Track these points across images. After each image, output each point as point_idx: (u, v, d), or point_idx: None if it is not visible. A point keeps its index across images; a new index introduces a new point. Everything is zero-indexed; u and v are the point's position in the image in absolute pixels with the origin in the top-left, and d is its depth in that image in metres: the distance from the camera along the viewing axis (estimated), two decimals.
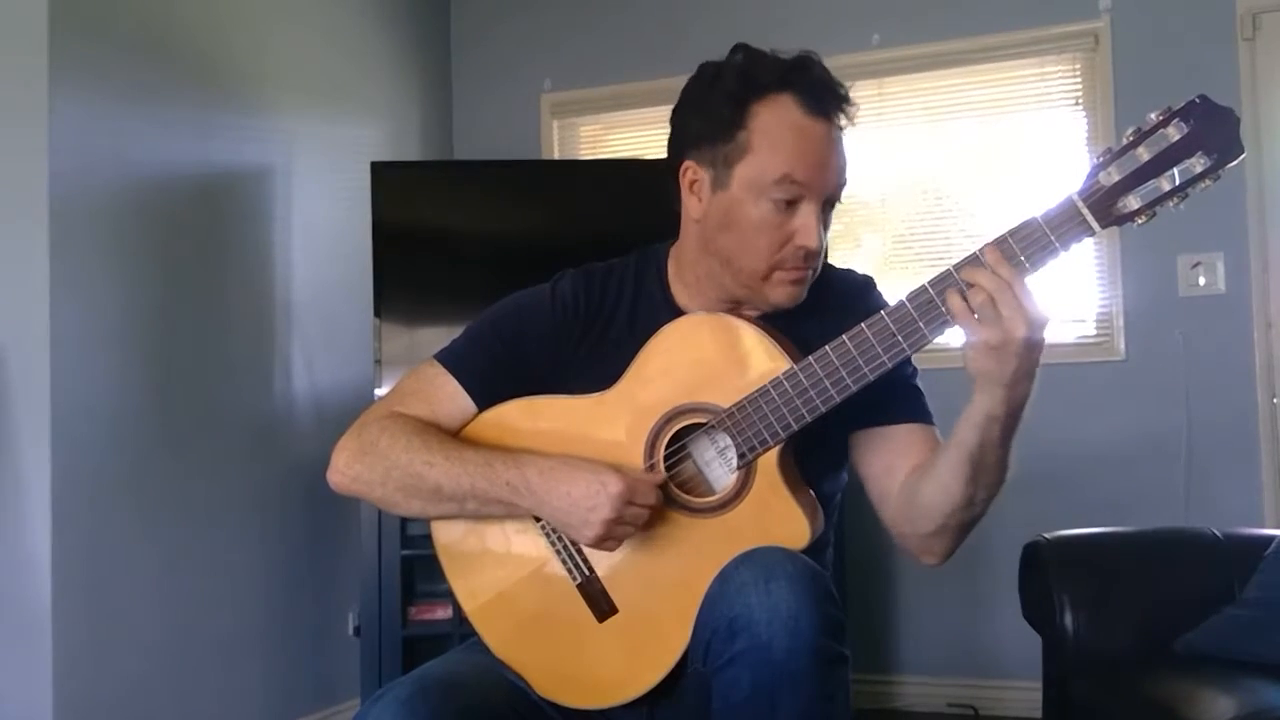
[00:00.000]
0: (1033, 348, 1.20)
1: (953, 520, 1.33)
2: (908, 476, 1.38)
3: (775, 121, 1.33)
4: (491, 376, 1.42)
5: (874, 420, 1.41)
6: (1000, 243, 1.22)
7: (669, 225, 1.47)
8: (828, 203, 1.36)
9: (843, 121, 1.36)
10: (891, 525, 1.41)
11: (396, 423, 1.39)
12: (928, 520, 1.34)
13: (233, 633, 2.89)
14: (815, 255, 1.36)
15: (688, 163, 1.40)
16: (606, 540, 1.30)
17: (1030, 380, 1.23)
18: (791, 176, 1.32)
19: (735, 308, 1.41)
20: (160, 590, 2.68)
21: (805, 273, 1.37)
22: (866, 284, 1.49)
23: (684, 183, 1.41)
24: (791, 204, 1.33)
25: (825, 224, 1.37)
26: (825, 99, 1.34)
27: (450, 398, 1.42)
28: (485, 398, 1.42)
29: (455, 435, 1.42)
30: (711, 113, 1.36)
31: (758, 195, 1.33)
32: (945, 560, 1.40)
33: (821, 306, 1.40)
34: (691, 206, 1.41)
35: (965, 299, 1.21)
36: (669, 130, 1.43)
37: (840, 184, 1.37)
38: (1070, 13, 3.31)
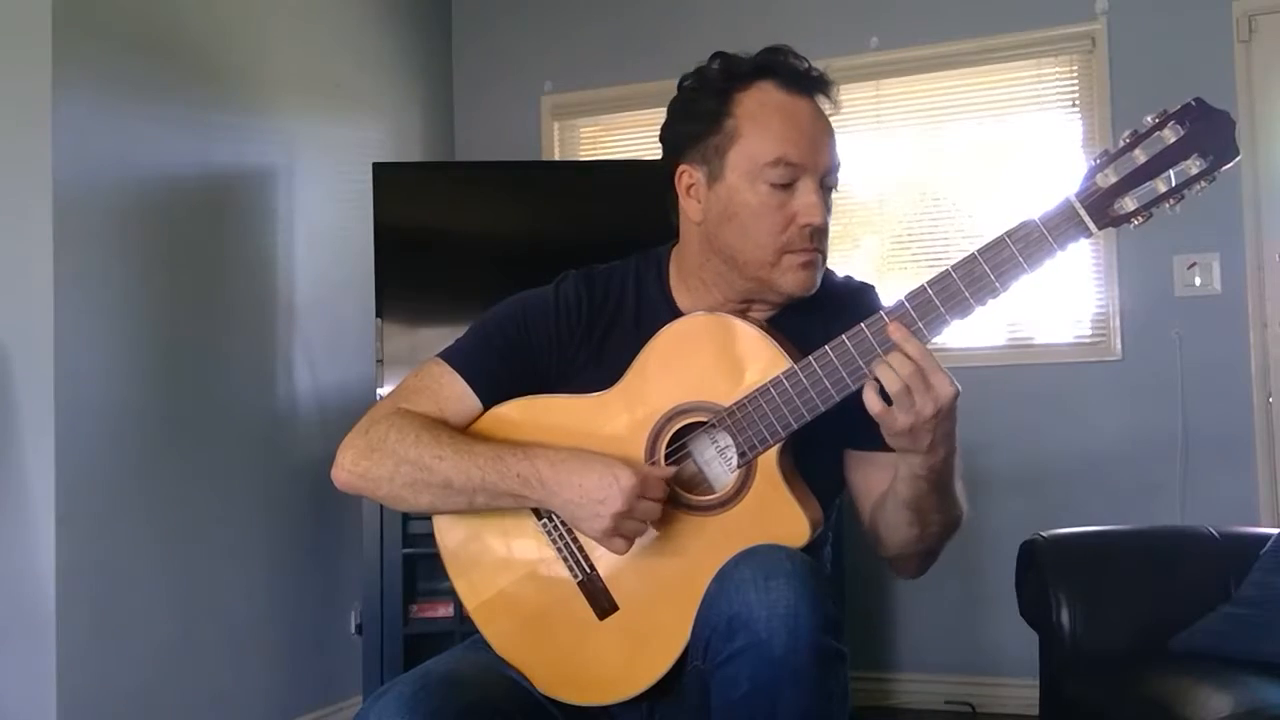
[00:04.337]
0: (943, 420, 1.23)
1: (908, 550, 1.40)
2: (874, 504, 1.42)
3: (759, 105, 1.36)
4: (498, 375, 1.43)
5: (861, 443, 1.43)
6: (905, 316, 1.23)
7: (669, 226, 1.48)
8: (824, 184, 1.37)
9: (825, 104, 1.38)
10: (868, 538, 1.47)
11: (405, 419, 1.39)
12: (886, 550, 1.43)
13: (235, 631, 2.89)
14: (821, 234, 1.37)
15: (683, 167, 1.42)
16: (615, 535, 1.29)
17: (948, 443, 1.26)
18: (785, 159, 1.34)
19: (745, 308, 1.42)
20: (163, 589, 2.69)
21: (814, 255, 1.37)
22: (865, 289, 1.50)
23: (680, 188, 1.43)
24: (789, 185, 1.35)
25: (826, 207, 1.37)
26: (802, 79, 1.38)
27: (457, 396, 1.42)
28: (491, 396, 1.42)
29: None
30: (698, 111, 1.39)
31: (753, 179, 1.35)
32: (917, 577, 1.47)
33: (822, 311, 1.41)
34: (691, 210, 1.42)
35: (882, 386, 1.23)
36: (661, 147, 1.46)
37: (834, 163, 1.38)
38: (1067, 15, 3.31)
